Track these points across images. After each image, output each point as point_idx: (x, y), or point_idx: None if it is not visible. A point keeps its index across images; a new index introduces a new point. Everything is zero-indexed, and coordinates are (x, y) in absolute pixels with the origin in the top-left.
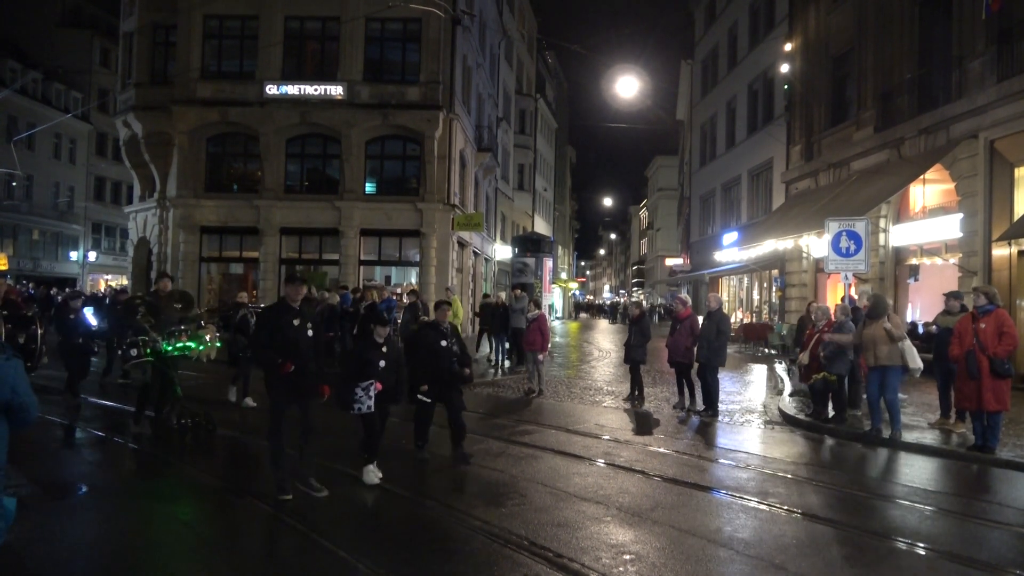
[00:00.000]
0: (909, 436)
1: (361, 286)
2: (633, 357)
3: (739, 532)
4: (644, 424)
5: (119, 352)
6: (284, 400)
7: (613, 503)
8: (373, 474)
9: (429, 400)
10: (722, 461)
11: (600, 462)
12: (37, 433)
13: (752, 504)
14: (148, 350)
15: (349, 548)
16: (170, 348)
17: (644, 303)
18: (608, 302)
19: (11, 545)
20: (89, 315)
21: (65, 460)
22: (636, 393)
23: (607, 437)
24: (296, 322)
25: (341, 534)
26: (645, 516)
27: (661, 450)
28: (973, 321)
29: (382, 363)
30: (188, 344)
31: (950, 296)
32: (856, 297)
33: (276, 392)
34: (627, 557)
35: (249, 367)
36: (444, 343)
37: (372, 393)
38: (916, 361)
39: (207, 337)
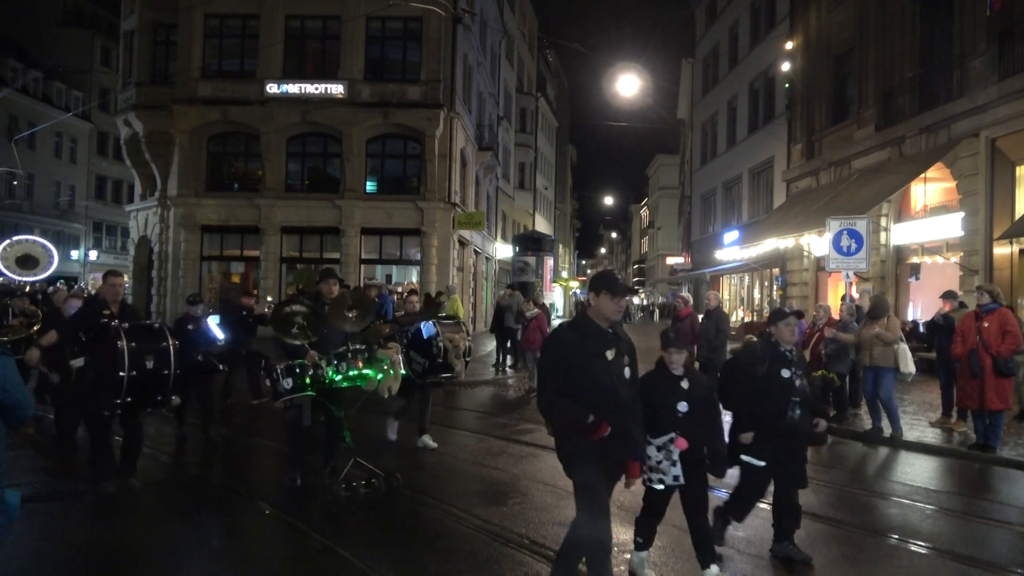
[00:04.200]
0: (910, 435)
1: (362, 285)
2: None
3: (739, 531)
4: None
5: (267, 382)
6: (602, 477)
7: (613, 502)
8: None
9: (762, 463)
10: None
11: None
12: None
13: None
14: (308, 379)
15: (349, 547)
16: (339, 377)
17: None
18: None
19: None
20: (213, 325)
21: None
22: None
23: None
24: (610, 355)
25: (341, 533)
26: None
27: None
28: (976, 320)
29: (683, 406)
30: (364, 372)
31: (946, 297)
32: (857, 296)
33: (587, 466)
34: (628, 555)
35: (427, 397)
36: (787, 374)
37: (676, 456)
38: (908, 366)
39: (389, 362)
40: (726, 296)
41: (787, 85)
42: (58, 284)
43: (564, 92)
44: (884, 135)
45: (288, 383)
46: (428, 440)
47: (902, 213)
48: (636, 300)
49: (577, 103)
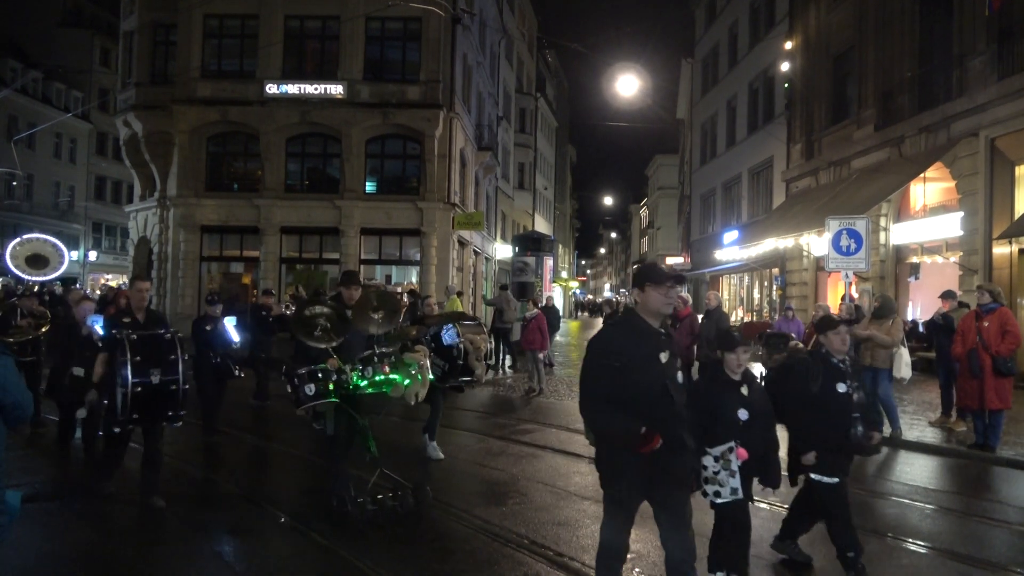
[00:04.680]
0: (909, 434)
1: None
2: None
3: None
4: None
5: (288, 388)
6: (634, 494)
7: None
8: None
9: (835, 480)
10: None
11: None
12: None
13: (752, 504)
14: (331, 385)
15: (349, 547)
16: (364, 383)
17: (617, 300)
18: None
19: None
20: (230, 327)
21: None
22: None
23: None
24: (664, 357)
25: (341, 533)
26: (646, 515)
27: None
28: (976, 319)
29: (744, 414)
30: (392, 377)
31: (945, 296)
32: (856, 296)
33: (621, 481)
34: (628, 556)
35: (439, 403)
36: (844, 388)
37: (736, 466)
38: (901, 371)
39: (417, 367)
40: (725, 296)
41: (786, 85)
42: (53, 285)
43: (564, 92)
44: (883, 135)
45: (310, 389)
46: (435, 448)
47: (901, 213)
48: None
49: (577, 103)
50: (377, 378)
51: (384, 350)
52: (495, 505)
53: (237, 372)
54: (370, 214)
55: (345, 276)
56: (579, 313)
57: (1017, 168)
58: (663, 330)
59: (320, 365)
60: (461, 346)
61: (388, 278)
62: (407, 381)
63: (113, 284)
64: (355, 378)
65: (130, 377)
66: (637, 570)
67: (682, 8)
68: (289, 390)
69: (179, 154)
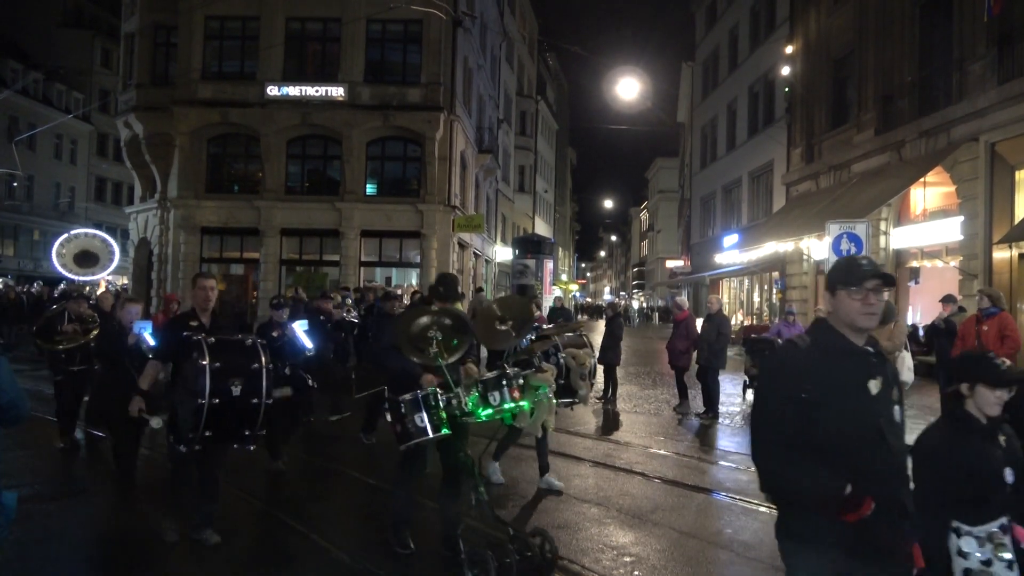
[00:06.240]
0: (910, 438)
1: (362, 287)
2: (606, 359)
3: (739, 534)
4: (612, 423)
5: (388, 417)
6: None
7: (613, 505)
8: None
9: None
10: (722, 463)
11: (600, 464)
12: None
13: (753, 506)
14: (443, 414)
15: (349, 548)
16: (489, 411)
17: (620, 303)
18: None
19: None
20: (301, 332)
21: None
22: (609, 394)
23: (607, 439)
24: (874, 386)
25: (341, 534)
26: (645, 518)
27: (661, 452)
28: (976, 323)
29: (1009, 475)
30: (521, 404)
31: (946, 300)
32: None
33: (823, 560)
34: (627, 559)
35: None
36: None
37: (1011, 554)
38: (903, 375)
39: (547, 390)
40: (725, 299)
41: (787, 88)
42: (37, 284)
43: (564, 95)
44: (884, 139)
45: (422, 420)
46: (553, 480)
47: (902, 217)
48: (636, 303)
49: (577, 106)
50: (506, 405)
51: (514, 370)
52: (495, 507)
53: (311, 384)
54: (370, 216)
55: (440, 276)
56: (579, 315)
57: (1017, 172)
58: (871, 347)
59: (429, 389)
60: (562, 362)
61: (388, 280)
62: (533, 408)
63: (101, 286)
64: (471, 403)
65: (208, 387)
66: (637, 572)
67: (682, 11)
68: (389, 420)
69: (180, 155)
